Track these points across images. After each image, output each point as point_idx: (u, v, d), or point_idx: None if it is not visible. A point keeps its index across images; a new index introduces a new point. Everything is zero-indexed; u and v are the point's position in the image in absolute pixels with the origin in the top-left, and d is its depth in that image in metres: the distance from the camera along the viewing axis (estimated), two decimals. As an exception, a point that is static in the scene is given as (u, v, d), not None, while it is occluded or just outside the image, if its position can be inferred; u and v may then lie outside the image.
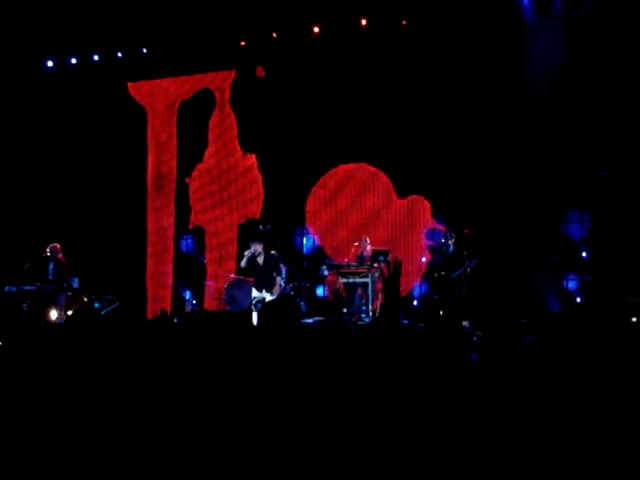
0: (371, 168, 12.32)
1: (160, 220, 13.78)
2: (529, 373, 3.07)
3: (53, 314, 10.34)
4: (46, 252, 11.03)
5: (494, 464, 2.56)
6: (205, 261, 13.39)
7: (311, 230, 12.74)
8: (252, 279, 11.06)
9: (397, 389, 2.91)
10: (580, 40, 10.73)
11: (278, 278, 10.79)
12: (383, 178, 12.24)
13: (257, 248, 10.76)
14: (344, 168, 12.52)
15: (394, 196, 12.16)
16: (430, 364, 3.13)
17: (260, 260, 10.81)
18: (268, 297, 10.62)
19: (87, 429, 2.94)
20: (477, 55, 11.43)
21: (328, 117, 12.35)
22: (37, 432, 2.98)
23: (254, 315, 10.18)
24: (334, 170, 12.57)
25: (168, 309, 13.23)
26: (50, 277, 11.00)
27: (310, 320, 10.56)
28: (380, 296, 11.01)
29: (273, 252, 11.02)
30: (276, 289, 10.74)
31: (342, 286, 11.18)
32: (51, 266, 11.09)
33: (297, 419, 2.71)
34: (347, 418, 2.73)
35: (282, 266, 11.08)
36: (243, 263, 10.85)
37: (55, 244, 11.19)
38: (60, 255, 11.18)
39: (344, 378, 2.97)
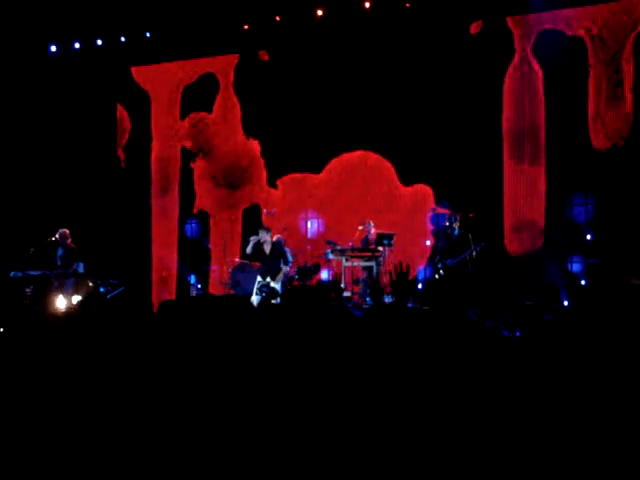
0: (375, 155, 12.29)
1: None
2: (539, 357, 3.08)
3: (60, 300, 10.35)
4: (52, 238, 11.05)
5: (503, 441, 2.58)
6: (210, 245, 13.40)
7: (315, 214, 12.73)
8: (257, 264, 11.07)
9: (403, 373, 2.93)
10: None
11: (284, 267, 10.75)
12: (387, 164, 12.21)
13: (264, 236, 10.73)
14: (349, 154, 12.49)
15: (398, 182, 12.13)
16: (435, 347, 3.14)
17: (267, 249, 10.78)
18: (272, 283, 10.62)
19: (93, 411, 2.95)
20: (480, 40, 11.39)
21: (332, 102, 12.28)
22: (39, 422, 2.96)
23: (255, 299, 10.23)
24: (339, 157, 12.54)
25: (173, 294, 13.32)
26: (58, 263, 11.04)
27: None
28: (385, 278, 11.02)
29: (277, 237, 11.00)
30: (279, 276, 10.73)
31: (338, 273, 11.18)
32: (60, 251, 11.13)
33: (308, 406, 2.74)
34: (354, 403, 2.75)
35: (287, 250, 11.02)
36: (249, 249, 10.80)
37: (64, 230, 11.22)
38: (69, 241, 11.22)
39: (349, 362, 2.99)
